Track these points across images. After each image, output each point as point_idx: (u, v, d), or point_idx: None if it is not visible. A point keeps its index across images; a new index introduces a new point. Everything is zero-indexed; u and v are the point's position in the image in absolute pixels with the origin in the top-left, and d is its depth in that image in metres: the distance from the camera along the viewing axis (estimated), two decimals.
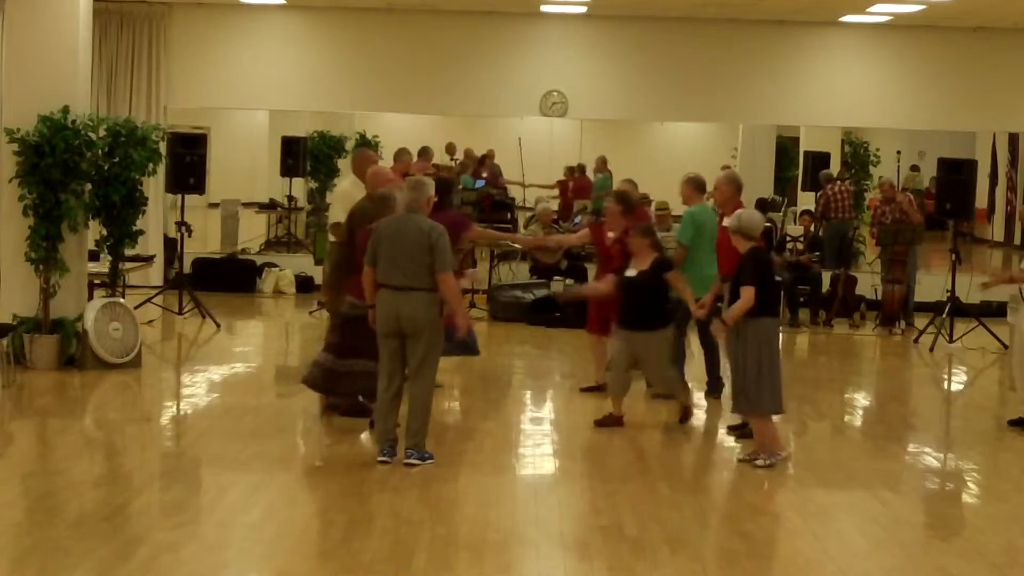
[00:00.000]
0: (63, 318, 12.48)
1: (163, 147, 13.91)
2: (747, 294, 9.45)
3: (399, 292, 9.16)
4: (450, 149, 24.32)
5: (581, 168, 23.08)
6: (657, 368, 10.76)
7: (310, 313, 16.77)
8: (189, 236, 16.81)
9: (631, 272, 10.74)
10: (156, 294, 16.28)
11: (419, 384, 9.31)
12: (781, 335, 16.43)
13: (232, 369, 13.64)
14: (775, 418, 9.87)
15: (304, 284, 18.75)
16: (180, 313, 16.08)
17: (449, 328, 9.76)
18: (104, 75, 18.24)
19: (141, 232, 13.36)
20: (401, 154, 13.99)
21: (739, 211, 9.94)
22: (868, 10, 17.55)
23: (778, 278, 16.94)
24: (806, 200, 21.41)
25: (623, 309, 10.77)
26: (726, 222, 10.72)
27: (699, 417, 11.30)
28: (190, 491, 8.88)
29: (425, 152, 16.41)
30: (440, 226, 9.41)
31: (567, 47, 18.85)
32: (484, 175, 21.59)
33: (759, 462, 9.58)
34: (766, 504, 9.04)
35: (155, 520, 8.10)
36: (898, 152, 23.58)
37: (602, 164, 23.01)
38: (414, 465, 9.22)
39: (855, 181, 21.36)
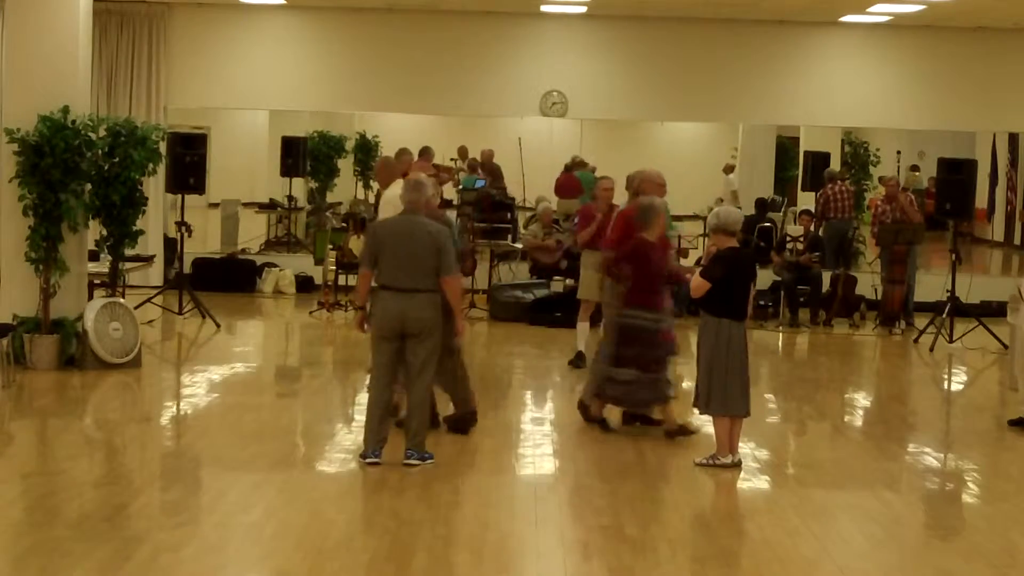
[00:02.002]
0: (63, 318, 12.48)
1: (163, 147, 13.91)
2: (696, 282, 9.50)
3: (404, 294, 9.13)
4: (462, 152, 24.25)
5: (566, 167, 22.96)
6: None
7: (310, 313, 16.77)
8: (189, 236, 16.80)
9: None
10: (156, 294, 16.27)
11: (420, 384, 9.30)
12: (780, 336, 16.61)
13: (232, 369, 13.64)
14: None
15: (304, 284, 18.75)
16: (180, 313, 16.08)
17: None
18: (104, 75, 18.24)
19: (141, 232, 13.36)
20: (402, 154, 13.98)
21: (717, 209, 9.93)
22: (868, 10, 17.55)
23: (777, 278, 17.22)
24: (806, 200, 21.39)
25: None
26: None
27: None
28: (190, 491, 8.88)
29: (426, 152, 16.40)
30: (445, 228, 9.40)
31: (567, 47, 18.86)
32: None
33: (698, 460, 9.61)
34: (766, 504, 9.04)
35: (155, 520, 8.10)
36: (898, 152, 23.57)
37: (581, 163, 22.82)
38: (414, 465, 9.22)
39: (855, 181, 21.35)
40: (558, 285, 17.25)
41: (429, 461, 9.31)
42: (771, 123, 21.77)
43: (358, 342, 12.30)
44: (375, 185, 16.47)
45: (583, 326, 13.56)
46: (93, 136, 12.58)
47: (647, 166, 11.64)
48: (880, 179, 19.27)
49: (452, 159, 23.53)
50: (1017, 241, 26.41)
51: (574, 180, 21.99)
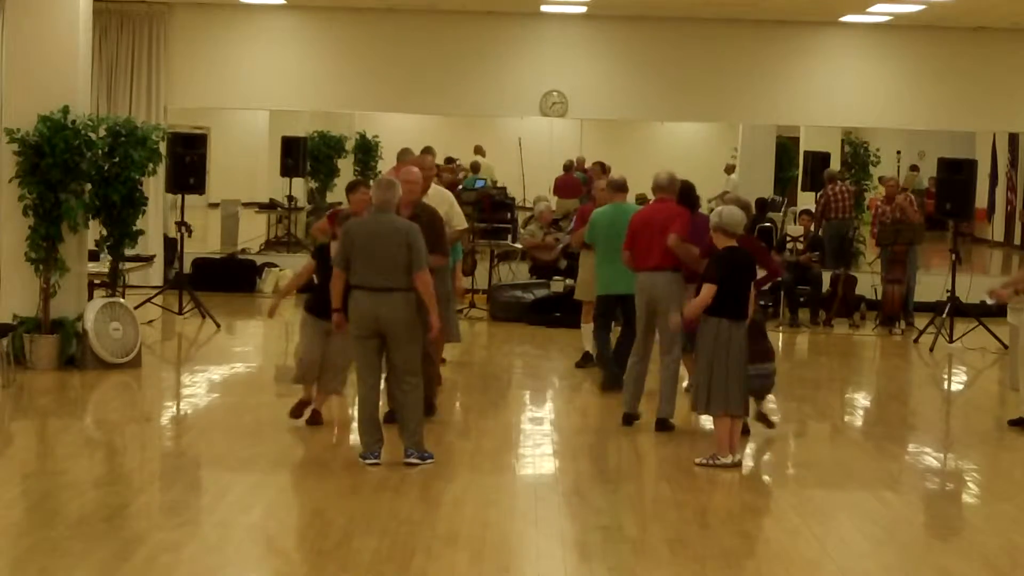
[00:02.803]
0: (63, 318, 12.47)
1: (163, 147, 13.91)
2: (705, 291, 9.48)
3: (377, 293, 9.10)
4: (478, 150, 24.22)
5: (567, 167, 23.01)
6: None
7: None
8: (189, 236, 16.81)
9: None
10: (156, 294, 16.27)
11: (409, 382, 9.30)
12: (780, 337, 16.60)
13: (232, 369, 13.65)
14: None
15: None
16: (180, 313, 16.08)
17: None
18: (104, 75, 18.24)
19: (141, 232, 13.36)
20: (404, 154, 13.98)
21: (719, 208, 9.90)
22: (868, 10, 17.55)
23: (779, 279, 17.18)
24: (806, 200, 21.40)
25: None
26: None
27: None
28: (190, 491, 8.88)
29: (427, 152, 16.38)
30: (416, 225, 9.32)
31: (567, 47, 18.85)
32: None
33: (699, 460, 9.61)
34: (766, 504, 9.04)
35: (155, 520, 8.10)
36: (898, 152, 23.59)
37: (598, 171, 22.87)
38: (414, 465, 9.22)
39: (855, 181, 21.36)
40: (558, 285, 17.24)
41: (429, 461, 9.31)
42: (771, 123, 21.75)
43: None
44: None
45: (587, 327, 13.50)
46: (93, 136, 12.58)
47: (653, 167, 11.62)
48: (880, 179, 19.28)
49: (449, 158, 23.50)
50: (1017, 241, 26.43)
51: (574, 180, 22.02)
